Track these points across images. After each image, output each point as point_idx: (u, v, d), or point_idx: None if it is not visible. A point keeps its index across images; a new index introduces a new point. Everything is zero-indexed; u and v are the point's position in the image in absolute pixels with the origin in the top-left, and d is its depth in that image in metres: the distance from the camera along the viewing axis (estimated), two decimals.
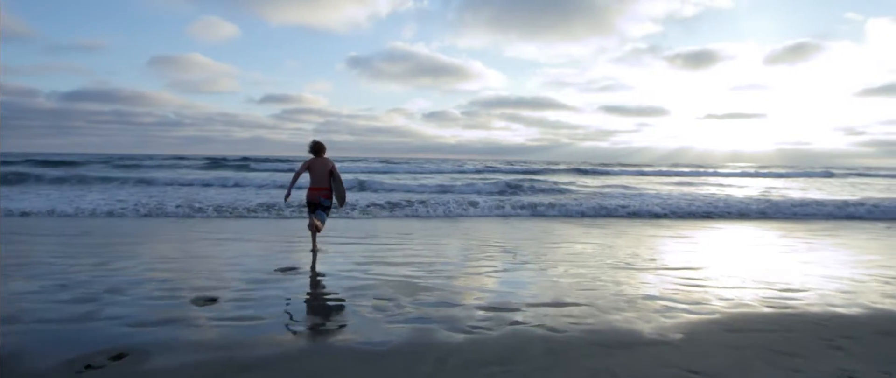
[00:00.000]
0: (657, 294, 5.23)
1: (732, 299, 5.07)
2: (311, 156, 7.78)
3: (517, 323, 4.21)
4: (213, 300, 4.85)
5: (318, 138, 7.90)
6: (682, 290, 5.40)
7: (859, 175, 50.79)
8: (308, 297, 5.11)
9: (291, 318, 4.34)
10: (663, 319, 4.34)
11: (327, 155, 7.85)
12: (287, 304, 4.76)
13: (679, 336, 3.93)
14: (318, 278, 5.96)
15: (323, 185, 7.71)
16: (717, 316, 4.49)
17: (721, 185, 31.46)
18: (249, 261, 6.97)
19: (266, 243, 8.63)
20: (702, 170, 59.97)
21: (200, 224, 11.10)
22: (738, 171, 57.27)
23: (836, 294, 5.39)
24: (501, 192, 19.94)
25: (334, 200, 7.87)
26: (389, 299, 4.94)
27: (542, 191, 20.94)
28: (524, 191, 20.30)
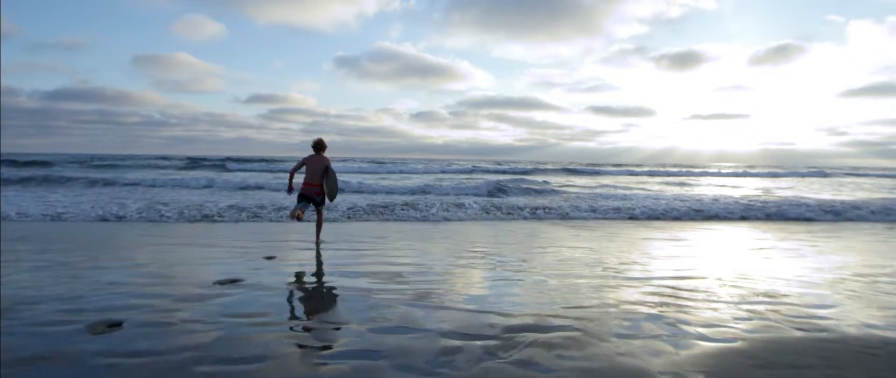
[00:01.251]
0: (661, 313, 4.37)
1: (752, 319, 4.22)
2: (312, 151, 8.17)
3: (490, 357, 3.32)
4: (117, 325, 3.91)
5: (320, 137, 8.22)
6: (691, 308, 4.54)
7: (849, 174, 50.62)
8: (236, 320, 4.13)
9: (200, 354, 3.37)
10: (675, 350, 3.47)
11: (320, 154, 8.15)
12: (204, 332, 3.81)
13: (699, 377, 3.06)
14: (259, 294, 5.01)
15: (316, 182, 8.05)
16: (739, 344, 3.61)
17: (713, 184, 30.88)
18: (188, 271, 6.02)
19: (220, 249, 7.66)
20: (694, 169, 59.67)
21: (156, 228, 10.11)
22: (730, 170, 57.05)
23: (870, 311, 4.56)
24: (489, 194, 19.08)
25: (328, 196, 8.18)
26: (336, 324, 4.02)
27: (531, 191, 20.12)
28: (512, 191, 19.45)
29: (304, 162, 8.08)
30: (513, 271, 6.11)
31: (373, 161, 60.24)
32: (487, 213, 13.17)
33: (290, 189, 8.23)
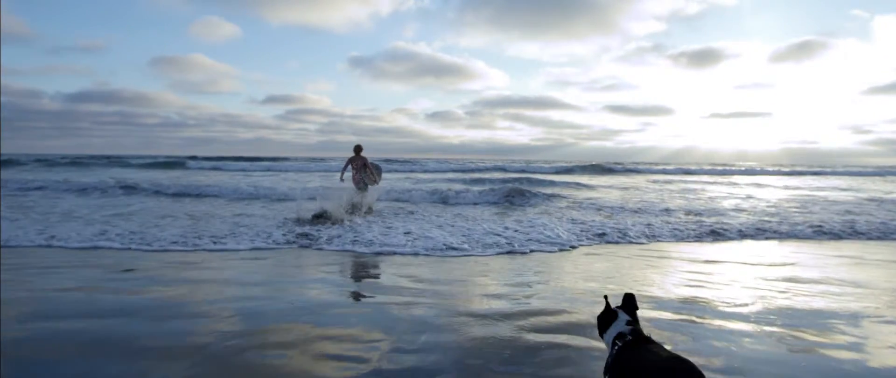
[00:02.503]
0: None
1: None
2: (353, 153, 12.08)
3: None
4: None
5: (358, 143, 12.07)
6: None
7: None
8: None
9: None
10: None
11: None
12: None
13: None
14: None
15: (359, 175, 12.04)
16: None
17: (760, 185, 27.06)
18: None
19: None
20: (730, 168, 55.97)
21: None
22: (774, 169, 53.26)
23: None
24: (507, 198, 15.87)
25: (370, 183, 12.23)
26: None
27: (551, 198, 16.83)
28: (529, 200, 16.11)
29: (349, 161, 12.06)
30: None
31: (385, 160, 57.40)
32: (501, 242, 9.89)
33: (341, 179, 12.07)
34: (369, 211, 11.55)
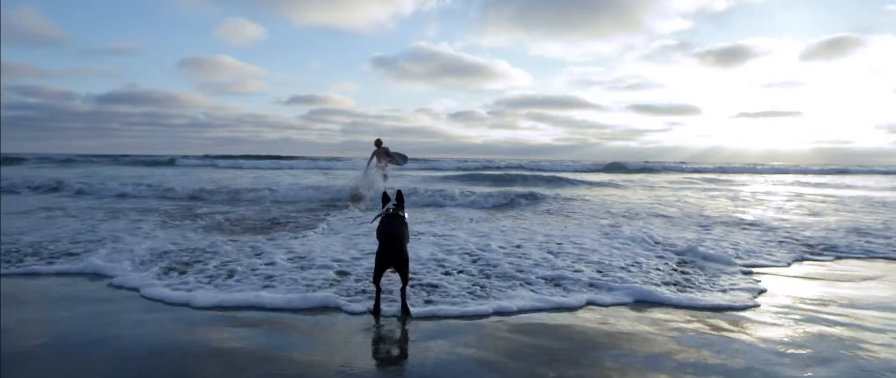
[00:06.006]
0: None
1: None
2: (375, 146, 14.30)
3: None
4: None
5: (378, 137, 14.37)
6: None
7: None
8: None
9: None
10: None
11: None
12: None
13: None
14: None
15: (382, 163, 14.23)
16: None
17: (806, 184, 23.62)
18: None
19: None
20: (764, 167, 52.27)
21: None
22: (817, 168, 49.30)
23: None
24: (508, 204, 13.21)
25: (395, 166, 15.01)
26: None
27: (565, 201, 14.09)
28: (540, 203, 13.36)
29: (373, 155, 14.26)
30: None
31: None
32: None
33: (365, 173, 13.94)
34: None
